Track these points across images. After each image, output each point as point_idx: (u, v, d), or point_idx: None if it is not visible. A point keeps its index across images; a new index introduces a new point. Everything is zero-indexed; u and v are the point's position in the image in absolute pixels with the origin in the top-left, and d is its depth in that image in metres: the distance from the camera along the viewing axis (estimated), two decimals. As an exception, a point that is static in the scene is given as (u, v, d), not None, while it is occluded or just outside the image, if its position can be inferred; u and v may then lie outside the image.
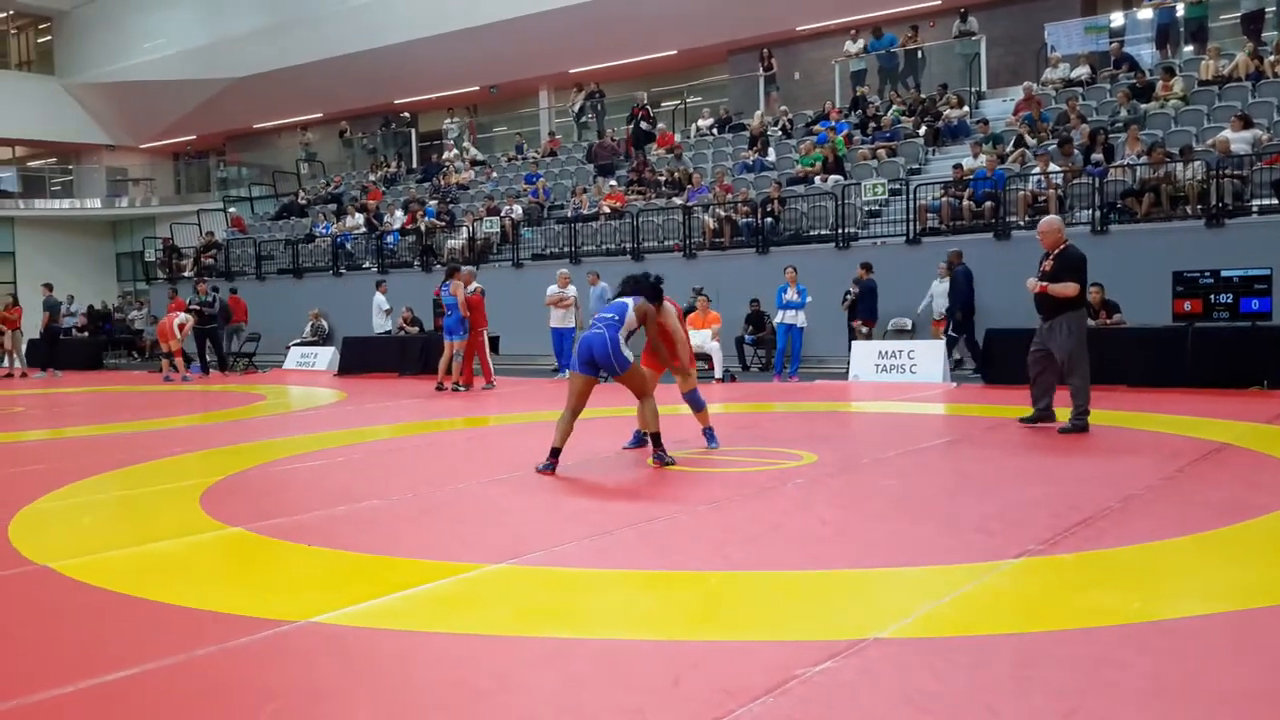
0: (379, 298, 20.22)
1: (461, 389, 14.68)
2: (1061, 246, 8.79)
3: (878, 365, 14.61)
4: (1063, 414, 8.81)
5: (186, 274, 26.71)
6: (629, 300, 7.59)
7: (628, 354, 7.38)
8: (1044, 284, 8.72)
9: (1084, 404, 8.70)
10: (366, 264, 24.36)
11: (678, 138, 24.31)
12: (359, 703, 3.23)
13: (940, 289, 15.36)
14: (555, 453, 7.45)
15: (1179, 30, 19.98)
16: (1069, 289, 8.61)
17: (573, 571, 4.66)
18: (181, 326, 18.92)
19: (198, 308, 19.62)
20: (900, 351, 14.61)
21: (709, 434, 8.33)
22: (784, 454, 7.92)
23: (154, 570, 4.93)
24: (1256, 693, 3.14)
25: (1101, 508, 5.62)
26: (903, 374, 14.25)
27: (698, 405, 8.29)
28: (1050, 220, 9.15)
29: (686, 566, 4.73)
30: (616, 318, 7.43)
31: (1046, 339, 8.86)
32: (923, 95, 21.33)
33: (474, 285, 15.54)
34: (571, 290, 16.07)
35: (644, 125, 24.16)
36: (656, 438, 7.60)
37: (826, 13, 24.65)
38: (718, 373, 15.30)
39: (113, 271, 36.54)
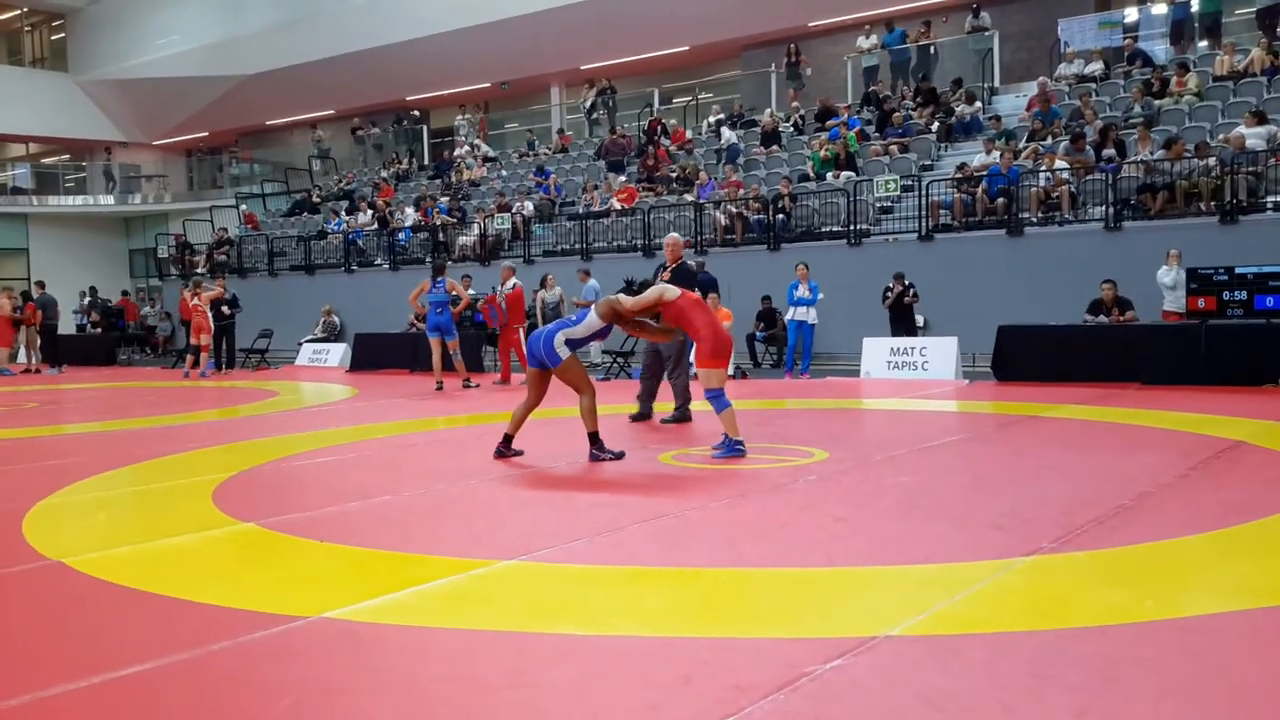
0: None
1: (472, 385, 14.66)
2: (679, 261, 10.15)
3: (889, 362, 14.59)
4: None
5: (199, 270, 26.80)
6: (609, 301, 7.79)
7: (561, 351, 7.49)
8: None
9: (686, 398, 10.16)
10: (378, 260, 24.41)
11: (689, 134, 24.29)
12: (372, 698, 3.24)
13: (1172, 278, 13.59)
14: (507, 439, 7.95)
15: (1193, 25, 19.89)
16: None
17: (584, 568, 4.66)
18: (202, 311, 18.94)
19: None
20: (912, 349, 14.58)
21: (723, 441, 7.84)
22: (796, 451, 7.91)
23: (167, 566, 4.95)
24: (1271, 691, 3.12)
25: (1115, 505, 5.60)
26: (914, 371, 14.22)
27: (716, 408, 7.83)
28: (673, 236, 10.50)
29: (698, 563, 4.72)
30: (574, 319, 7.70)
31: (673, 343, 9.96)
32: (937, 89, 21.26)
33: (513, 281, 15.52)
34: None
35: (661, 139, 23.89)
36: (594, 436, 7.66)
37: (839, 8, 24.59)
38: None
39: (125, 268, 36.67)
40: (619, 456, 7.64)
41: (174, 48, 33.07)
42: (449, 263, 15.87)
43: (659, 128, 23.91)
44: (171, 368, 22.03)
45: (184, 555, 5.16)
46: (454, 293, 14.79)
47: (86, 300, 28.72)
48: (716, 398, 7.71)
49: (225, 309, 19.67)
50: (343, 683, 3.38)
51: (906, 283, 15.50)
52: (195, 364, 18.92)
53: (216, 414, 12.87)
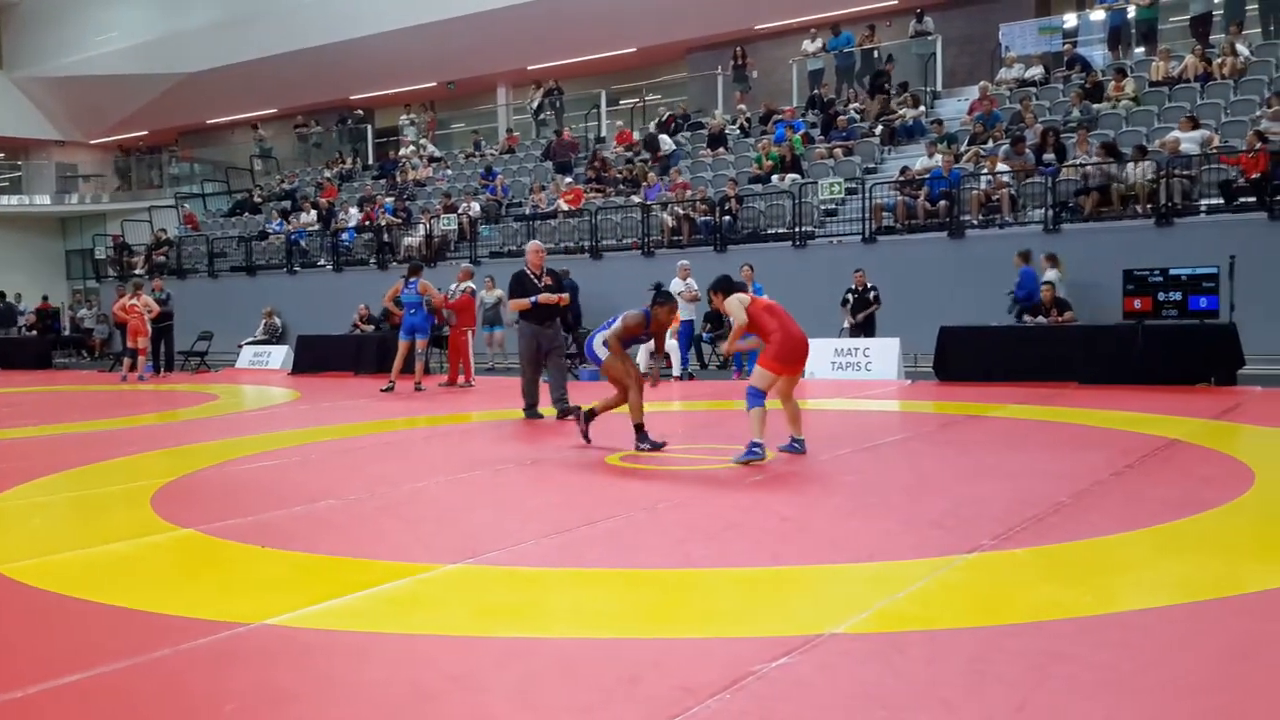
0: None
1: (421, 389, 14.52)
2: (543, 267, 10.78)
3: (834, 363, 14.71)
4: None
5: (138, 271, 26.35)
6: (627, 312, 8.30)
7: (600, 352, 8.22)
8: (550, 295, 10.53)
9: (562, 392, 10.58)
10: (321, 261, 24.16)
11: (636, 135, 24.32)
12: (317, 704, 3.21)
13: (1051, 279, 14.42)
14: (638, 429, 8.18)
15: (1130, 32, 20.27)
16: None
17: (531, 571, 4.64)
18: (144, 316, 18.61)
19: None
20: (855, 349, 14.71)
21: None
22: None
23: (105, 573, 4.86)
24: (1206, 684, 3.19)
25: (1053, 503, 5.69)
26: (858, 371, 14.35)
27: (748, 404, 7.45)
28: (534, 243, 11.15)
29: (645, 564, 4.73)
30: (608, 323, 8.36)
31: (547, 341, 10.61)
32: (886, 91, 21.50)
33: (467, 284, 15.45)
34: (693, 283, 15.74)
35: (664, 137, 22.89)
36: (639, 427, 8.09)
37: (785, 12, 24.78)
38: (676, 370, 15.33)
39: (62, 269, 35.94)
40: (658, 447, 8.00)
41: (113, 45, 32.48)
42: (422, 265, 15.67)
43: (675, 123, 23.61)
44: (109, 371, 21.63)
45: (122, 562, 5.07)
46: (426, 294, 14.65)
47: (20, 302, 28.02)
48: (753, 395, 7.37)
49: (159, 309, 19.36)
50: (287, 689, 3.34)
51: (869, 284, 15.52)
52: (133, 367, 18.58)
53: (155, 418, 12.65)
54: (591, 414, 8.53)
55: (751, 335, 7.75)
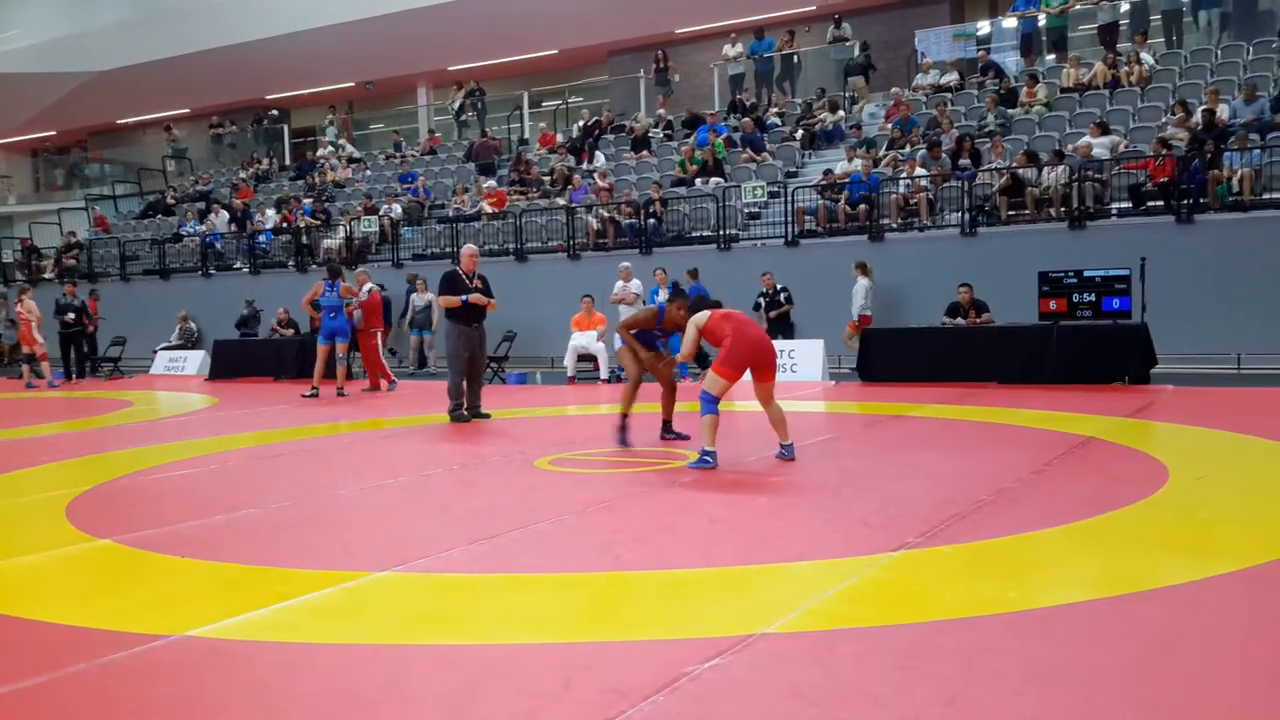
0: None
1: (344, 394, 14.29)
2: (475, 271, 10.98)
3: (759, 364, 14.80)
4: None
5: (47, 275, 25.58)
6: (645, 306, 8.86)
7: (615, 343, 8.77)
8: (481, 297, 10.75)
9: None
10: (238, 264, 23.69)
11: (559, 138, 24.26)
12: (244, 715, 3.14)
13: (859, 288, 15.29)
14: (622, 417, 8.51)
15: (1041, 39, 20.76)
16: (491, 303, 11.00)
17: (460, 577, 4.60)
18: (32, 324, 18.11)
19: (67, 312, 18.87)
20: (781, 351, 14.83)
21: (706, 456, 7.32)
22: (671, 453, 7.97)
23: (17, 585, 4.71)
24: (1131, 676, 3.27)
25: (975, 501, 5.79)
26: (783, 373, 14.44)
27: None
28: (469, 247, 11.37)
29: (576, 568, 4.72)
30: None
31: (475, 344, 10.86)
32: (798, 100, 21.75)
33: (369, 285, 15.27)
34: (635, 285, 15.55)
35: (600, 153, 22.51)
36: (622, 418, 8.38)
37: (705, 16, 24.92)
38: (603, 373, 15.31)
39: (-34, 273, 34.79)
40: (624, 445, 8.24)
41: (16, 42, 31.48)
42: (342, 268, 15.34)
43: (599, 130, 23.42)
44: (18, 378, 20.98)
45: (36, 574, 4.91)
46: (348, 296, 14.39)
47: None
48: (705, 401, 7.34)
49: (70, 316, 18.86)
50: (210, 702, 3.26)
51: (778, 285, 15.73)
52: (36, 374, 18.05)
53: (67, 426, 12.28)
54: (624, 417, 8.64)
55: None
